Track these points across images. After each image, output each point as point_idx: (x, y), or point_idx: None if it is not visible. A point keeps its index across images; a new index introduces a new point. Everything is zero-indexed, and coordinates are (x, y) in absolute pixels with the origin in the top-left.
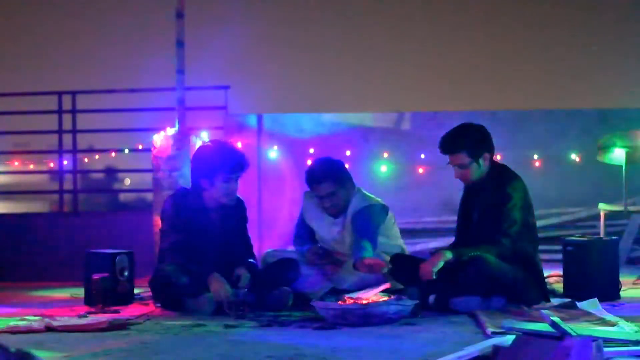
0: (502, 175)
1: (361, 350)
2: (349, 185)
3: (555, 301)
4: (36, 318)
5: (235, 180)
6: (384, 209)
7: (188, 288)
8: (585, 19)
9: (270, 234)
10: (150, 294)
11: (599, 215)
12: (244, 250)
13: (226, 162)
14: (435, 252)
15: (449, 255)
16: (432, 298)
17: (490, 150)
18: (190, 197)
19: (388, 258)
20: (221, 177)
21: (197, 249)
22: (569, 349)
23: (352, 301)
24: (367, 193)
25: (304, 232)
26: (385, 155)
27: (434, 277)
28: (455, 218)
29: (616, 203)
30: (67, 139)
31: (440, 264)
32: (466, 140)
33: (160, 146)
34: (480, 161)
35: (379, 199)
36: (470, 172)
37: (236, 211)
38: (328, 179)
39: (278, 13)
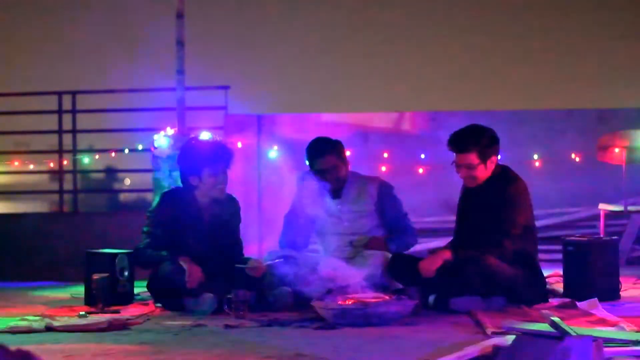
0: (503, 176)
1: (361, 350)
2: (347, 164)
3: (555, 301)
4: (36, 318)
5: (223, 173)
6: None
7: (188, 288)
8: (584, 19)
9: (271, 234)
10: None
11: (599, 215)
12: (232, 249)
13: (210, 155)
14: (435, 251)
15: (448, 254)
16: (432, 298)
17: (498, 153)
18: (181, 195)
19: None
20: (208, 171)
21: (187, 244)
22: (569, 349)
23: (352, 301)
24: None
25: (296, 234)
26: (385, 155)
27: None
28: (455, 218)
29: (616, 203)
30: (67, 139)
31: (440, 262)
32: (479, 141)
33: (160, 146)
34: (488, 164)
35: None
36: (477, 173)
37: (228, 209)
38: (332, 152)
39: (278, 13)
